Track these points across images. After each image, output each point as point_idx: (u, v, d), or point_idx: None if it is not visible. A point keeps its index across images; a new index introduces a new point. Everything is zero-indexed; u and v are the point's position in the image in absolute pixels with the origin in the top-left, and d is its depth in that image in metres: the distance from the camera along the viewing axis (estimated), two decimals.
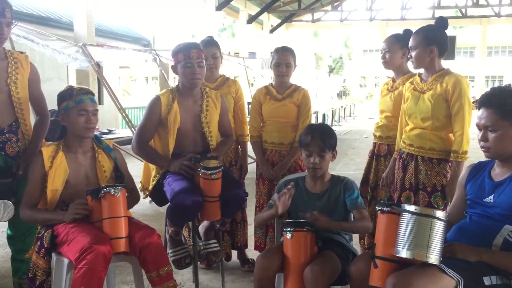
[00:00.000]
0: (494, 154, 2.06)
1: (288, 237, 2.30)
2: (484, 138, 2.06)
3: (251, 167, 3.73)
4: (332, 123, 17.79)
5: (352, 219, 2.55)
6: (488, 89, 2.26)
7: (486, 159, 2.18)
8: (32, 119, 2.91)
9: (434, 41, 2.92)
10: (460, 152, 2.86)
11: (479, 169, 2.18)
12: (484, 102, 2.06)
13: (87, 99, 2.56)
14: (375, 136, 3.50)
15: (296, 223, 2.32)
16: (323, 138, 2.53)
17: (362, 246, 3.44)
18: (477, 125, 2.08)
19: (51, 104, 2.92)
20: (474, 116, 2.98)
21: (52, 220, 2.48)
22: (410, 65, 3.37)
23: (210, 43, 3.51)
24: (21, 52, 2.90)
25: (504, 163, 2.07)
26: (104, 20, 13.80)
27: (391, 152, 3.31)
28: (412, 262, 1.93)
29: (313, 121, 3.87)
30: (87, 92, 2.60)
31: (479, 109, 2.10)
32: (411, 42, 2.98)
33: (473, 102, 3.17)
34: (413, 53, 2.96)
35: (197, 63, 2.87)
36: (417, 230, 1.88)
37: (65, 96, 2.57)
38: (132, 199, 2.73)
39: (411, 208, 1.93)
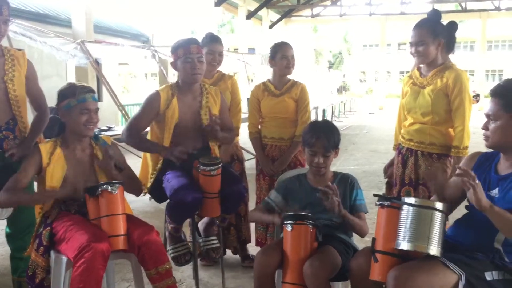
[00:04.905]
0: (492, 144, 2.05)
1: (288, 230, 2.28)
2: (485, 127, 2.06)
3: (251, 163, 3.72)
4: (332, 118, 17.74)
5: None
6: (487, 83, 2.25)
7: (490, 151, 2.15)
8: (30, 117, 2.89)
9: (440, 33, 2.87)
10: (461, 148, 2.85)
11: (485, 161, 2.15)
12: (493, 92, 2.06)
13: (89, 98, 2.54)
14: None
15: (297, 216, 2.29)
16: (328, 138, 2.48)
17: None
18: (485, 114, 2.09)
19: (50, 101, 2.91)
20: (474, 110, 2.98)
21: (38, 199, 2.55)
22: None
23: (217, 40, 3.51)
24: (19, 49, 2.88)
25: (509, 157, 2.04)
26: (103, 16, 13.73)
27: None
28: (413, 255, 1.93)
29: (312, 117, 3.87)
30: (89, 91, 2.57)
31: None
32: (417, 37, 2.87)
33: (472, 96, 3.14)
34: (420, 48, 2.86)
35: (197, 58, 2.86)
36: (417, 222, 1.89)
37: (67, 94, 2.54)
38: (136, 188, 2.74)
39: (411, 200, 1.93)
